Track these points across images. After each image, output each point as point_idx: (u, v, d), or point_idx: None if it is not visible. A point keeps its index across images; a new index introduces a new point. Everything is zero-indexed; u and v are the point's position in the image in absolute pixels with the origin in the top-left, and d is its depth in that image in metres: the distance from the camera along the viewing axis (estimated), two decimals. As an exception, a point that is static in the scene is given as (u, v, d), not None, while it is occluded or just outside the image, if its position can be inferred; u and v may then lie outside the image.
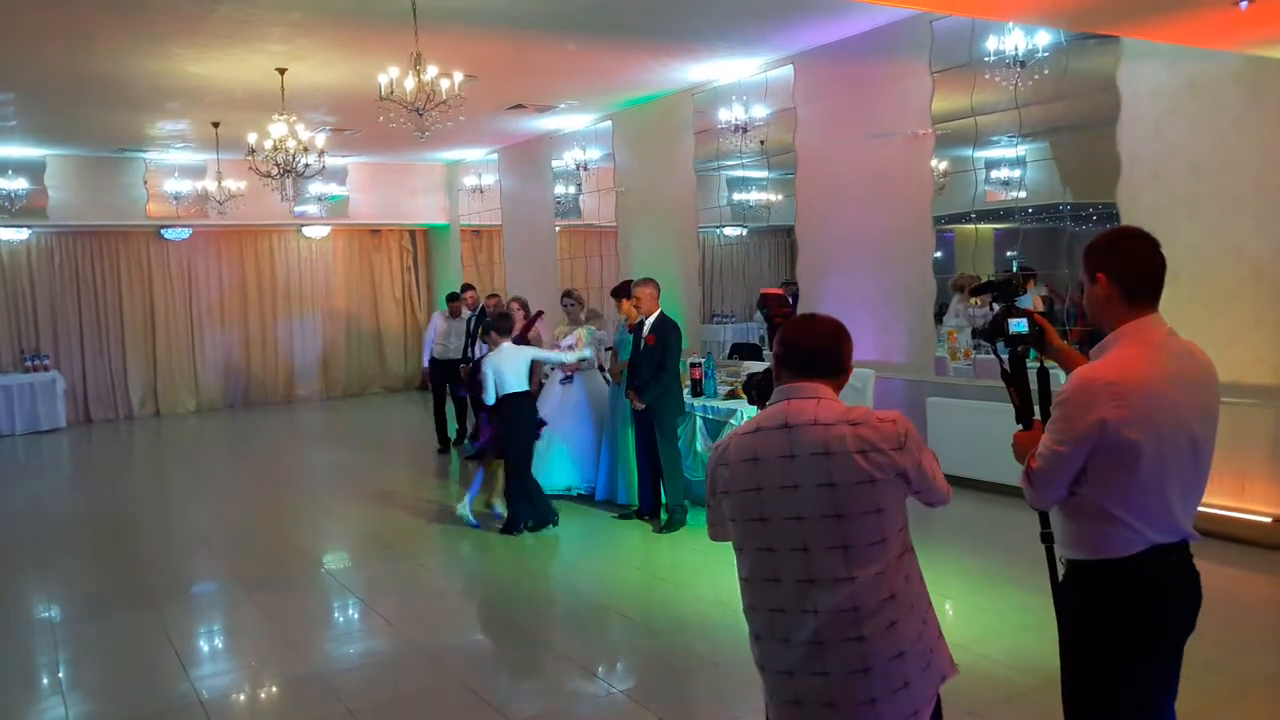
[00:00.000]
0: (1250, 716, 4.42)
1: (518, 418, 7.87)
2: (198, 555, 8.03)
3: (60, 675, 5.48)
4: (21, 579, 7.42)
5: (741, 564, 2.55)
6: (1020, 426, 2.95)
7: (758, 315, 11.32)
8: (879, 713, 2.36)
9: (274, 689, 5.28)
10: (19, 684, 5.35)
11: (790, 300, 10.13)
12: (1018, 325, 2.99)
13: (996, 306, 3.08)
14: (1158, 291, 2.67)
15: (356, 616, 6.41)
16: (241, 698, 5.17)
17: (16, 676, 5.46)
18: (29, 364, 15.27)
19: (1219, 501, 6.62)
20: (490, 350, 8.01)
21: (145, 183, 15.29)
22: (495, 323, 8.15)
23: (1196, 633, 2.75)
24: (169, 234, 16.51)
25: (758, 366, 9.16)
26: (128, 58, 9.08)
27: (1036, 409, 2.97)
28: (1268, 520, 6.54)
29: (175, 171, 15.18)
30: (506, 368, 7.82)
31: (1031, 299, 8.26)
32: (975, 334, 3.18)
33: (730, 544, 2.61)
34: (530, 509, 7.96)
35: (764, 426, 2.50)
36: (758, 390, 3.15)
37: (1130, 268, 2.66)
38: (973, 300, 8.75)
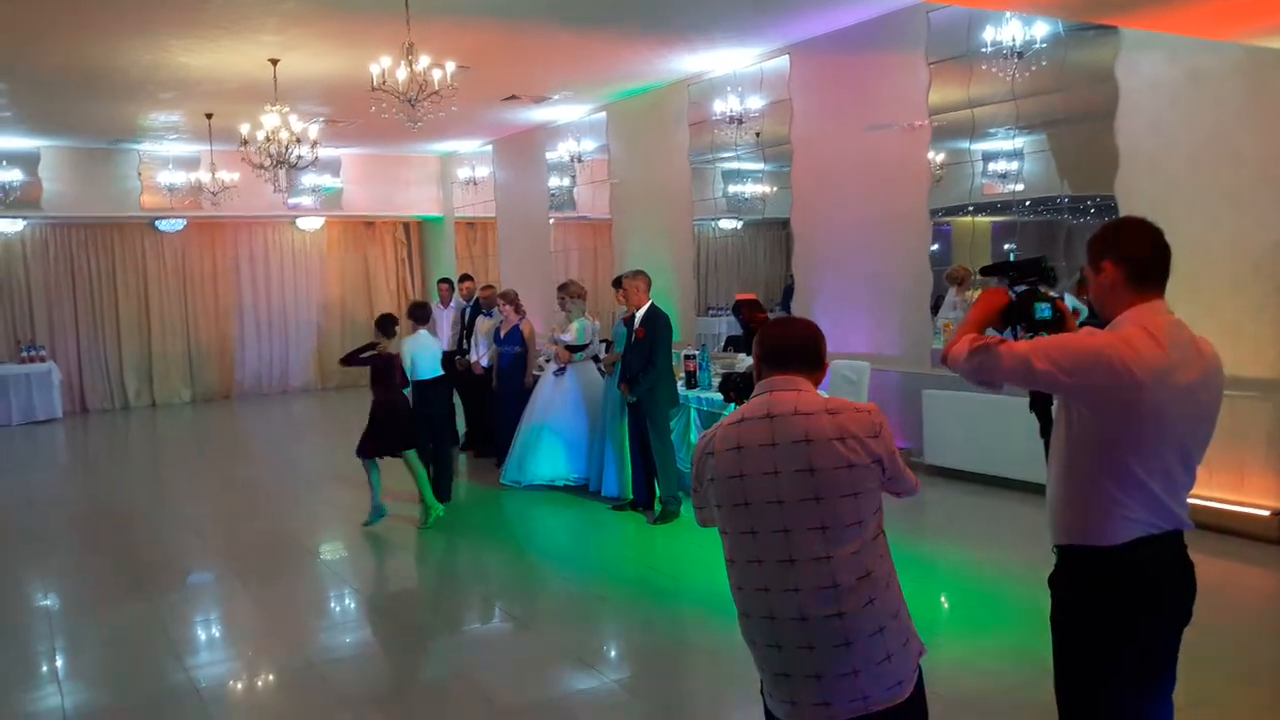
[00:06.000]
0: (1248, 708, 4.42)
1: (436, 401, 8.43)
2: (193, 545, 8.01)
3: (57, 664, 5.46)
4: (18, 569, 7.41)
5: (727, 547, 2.64)
6: (1039, 424, 2.91)
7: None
8: (862, 684, 2.46)
9: (269, 678, 5.27)
10: (16, 673, 5.32)
11: (762, 304, 10.07)
12: (1043, 310, 2.80)
13: (1004, 289, 2.93)
14: (1164, 277, 2.66)
15: (352, 606, 6.40)
16: (237, 687, 5.15)
17: (14, 666, 5.43)
18: (25, 355, 15.25)
19: (1218, 495, 6.61)
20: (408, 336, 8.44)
21: (139, 174, 15.25)
22: (411, 310, 8.61)
23: (1195, 624, 2.73)
24: (163, 225, 16.46)
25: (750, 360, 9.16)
26: (122, 49, 9.05)
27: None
28: (1266, 514, 6.52)
29: (169, 163, 15.12)
30: (420, 354, 8.18)
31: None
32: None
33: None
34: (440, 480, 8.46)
35: (748, 417, 2.60)
36: (736, 390, 3.15)
37: (1134, 252, 2.65)
38: (965, 294, 8.70)
